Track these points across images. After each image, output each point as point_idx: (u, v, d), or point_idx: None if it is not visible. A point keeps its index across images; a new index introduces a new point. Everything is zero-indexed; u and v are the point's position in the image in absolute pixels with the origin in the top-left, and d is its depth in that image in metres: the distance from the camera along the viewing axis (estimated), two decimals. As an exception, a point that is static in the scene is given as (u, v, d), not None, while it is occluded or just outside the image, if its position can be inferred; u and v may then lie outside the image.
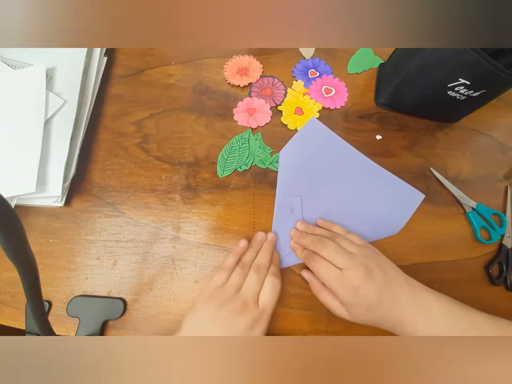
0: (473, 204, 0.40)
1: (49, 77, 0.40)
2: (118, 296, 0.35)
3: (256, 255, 0.35)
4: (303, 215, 0.38)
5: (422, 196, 0.40)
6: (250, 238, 0.37)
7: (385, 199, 0.40)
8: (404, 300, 0.29)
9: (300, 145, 0.41)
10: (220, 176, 0.40)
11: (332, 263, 0.31)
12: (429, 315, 0.28)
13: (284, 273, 0.36)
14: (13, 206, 0.34)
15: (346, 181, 0.40)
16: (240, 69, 0.45)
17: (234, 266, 0.33)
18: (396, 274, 0.31)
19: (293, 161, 0.40)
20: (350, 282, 0.29)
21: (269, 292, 0.31)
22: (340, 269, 0.30)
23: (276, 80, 0.45)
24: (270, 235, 0.37)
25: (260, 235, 0.37)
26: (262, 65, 0.46)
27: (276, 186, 0.39)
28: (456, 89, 0.36)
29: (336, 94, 0.45)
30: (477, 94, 0.36)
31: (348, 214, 0.38)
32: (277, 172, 0.40)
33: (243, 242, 0.36)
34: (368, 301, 0.29)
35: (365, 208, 0.39)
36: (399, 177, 0.41)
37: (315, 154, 0.41)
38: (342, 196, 0.39)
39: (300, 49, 0.47)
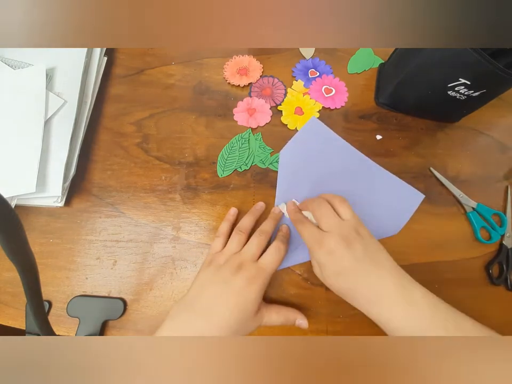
0: (473, 203, 0.40)
1: (49, 77, 0.40)
2: (118, 296, 0.35)
3: (253, 222, 0.35)
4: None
5: (422, 196, 0.40)
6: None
7: (386, 199, 0.39)
8: (386, 281, 0.27)
9: (300, 145, 0.41)
10: (220, 176, 0.40)
11: (318, 226, 0.31)
12: (412, 304, 0.26)
13: (284, 273, 0.36)
14: (13, 206, 0.34)
15: (347, 181, 0.40)
16: (240, 69, 0.45)
17: (230, 233, 0.35)
18: (384, 259, 0.29)
19: (293, 161, 0.40)
20: (327, 244, 0.29)
21: (270, 254, 0.32)
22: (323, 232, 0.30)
23: (276, 80, 0.45)
24: (277, 209, 0.37)
25: (259, 204, 0.38)
26: (262, 65, 0.46)
27: (276, 186, 0.39)
28: (456, 89, 0.36)
29: (336, 94, 0.45)
30: (477, 93, 0.36)
31: None
32: (277, 172, 0.40)
33: (233, 210, 0.37)
34: (339, 266, 0.28)
35: (365, 208, 0.39)
36: (399, 177, 0.41)
37: (315, 154, 0.41)
38: (342, 195, 0.39)
39: (300, 49, 0.47)
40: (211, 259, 0.33)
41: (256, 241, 0.33)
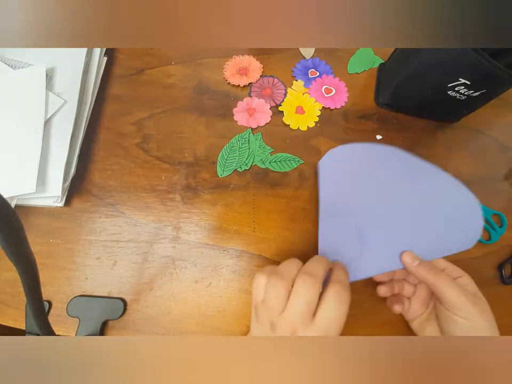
0: (473, 204, 0.40)
1: (49, 77, 0.40)
2: (118, 296, 0.35)
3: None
4: (358, 229, 0.33)
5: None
6: (249, 239, 0.37)
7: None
8: None
9: (341, 157, 0.36)
10: (220, 176, 0.40)
11: None
12: None
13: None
14: (13, 206, 0.34)
15: (404, 192, 0.35)
16: (240, 68, 0.45)
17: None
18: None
19: (335, 172, 0.36)
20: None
21: (331, 306, 0.23)
22: None
23: (276, 80, 0.45)
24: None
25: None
26: (262, 65, 0.46)
27: (275, 186, 0.39)
28: (456, 89, 0.36)
29: (336, 94, 0.45)
30: (477, 93, 0.36)
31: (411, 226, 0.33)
32: (276, 172, 0.40)
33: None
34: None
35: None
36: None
37: (359, 168, 0.36)
38: (400, 207, 0.34)
39: (300, 49, 0.47)
40: (256, 311, 0.26)
41: (303, 290, 0.23)
